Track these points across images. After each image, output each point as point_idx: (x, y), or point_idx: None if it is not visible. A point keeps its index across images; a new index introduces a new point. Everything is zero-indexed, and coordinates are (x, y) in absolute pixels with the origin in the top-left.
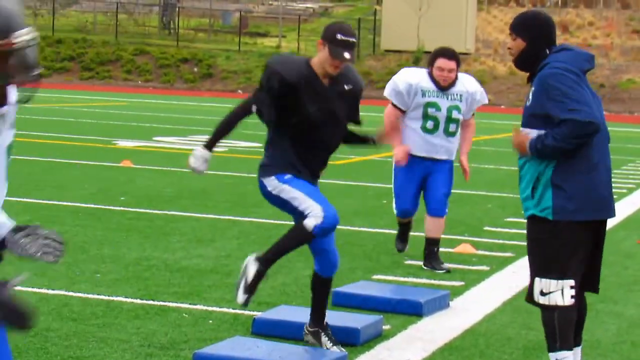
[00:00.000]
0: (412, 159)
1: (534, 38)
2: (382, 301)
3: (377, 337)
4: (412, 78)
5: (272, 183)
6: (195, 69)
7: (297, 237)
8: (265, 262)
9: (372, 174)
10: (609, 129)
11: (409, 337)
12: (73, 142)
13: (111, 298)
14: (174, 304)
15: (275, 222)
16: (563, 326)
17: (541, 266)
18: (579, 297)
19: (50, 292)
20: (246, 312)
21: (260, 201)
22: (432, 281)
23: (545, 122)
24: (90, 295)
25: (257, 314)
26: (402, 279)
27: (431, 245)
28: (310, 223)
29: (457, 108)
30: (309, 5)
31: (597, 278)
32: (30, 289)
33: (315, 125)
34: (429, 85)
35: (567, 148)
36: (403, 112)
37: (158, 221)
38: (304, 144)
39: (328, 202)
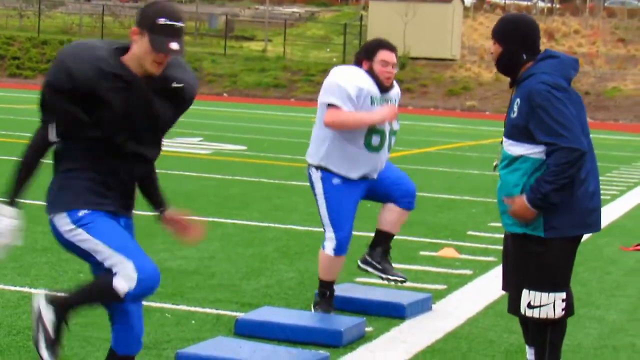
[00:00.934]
0: (349, 182)
1: (510, 44)
2: (365, 303)
3: (359, 339)
4: (360, 81)
5: (63, 222)
6: None
7: (103, 294)
8: (62, 306)
9: None
10: (593, 136)
11: (391, 339)
12: None
13: None
14: (157, 304)
15: (259, 224)
16: (554, 341)
17: (532, 279)
18: (570, 308)
19: (33, 290)
20: (229, 313)
21: (244, 203)
22: (415, 284)
23: (529, 134)
24: None
25: (240, 315)
26: (385, 281)
27: (389, 241)
28: (120, 287)
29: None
30: (295, 9)
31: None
32: (12, 288)
33: (125, 138)
34: (376, 91)
35: (565, 183)
36: None
37: (142, 222)
38: (109, 162)
39: (143, 255)
